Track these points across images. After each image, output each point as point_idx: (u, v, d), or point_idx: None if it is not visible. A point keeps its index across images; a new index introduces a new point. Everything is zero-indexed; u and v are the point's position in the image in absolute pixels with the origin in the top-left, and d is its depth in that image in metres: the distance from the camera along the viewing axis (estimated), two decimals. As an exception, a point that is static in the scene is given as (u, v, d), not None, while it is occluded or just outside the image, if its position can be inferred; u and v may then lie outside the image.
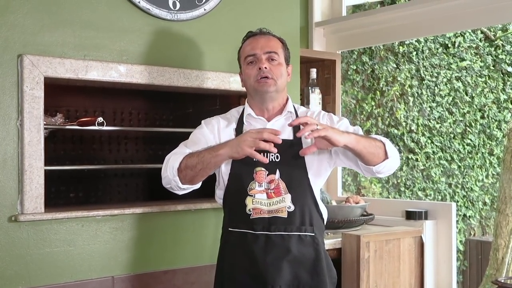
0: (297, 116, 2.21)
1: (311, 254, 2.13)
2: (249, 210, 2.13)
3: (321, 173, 2.20)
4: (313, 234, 2.14)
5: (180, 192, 2.18)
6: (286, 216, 2.12)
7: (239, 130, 2.20)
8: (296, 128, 2.15)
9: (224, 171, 2.19)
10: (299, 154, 2.11)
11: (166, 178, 2.12)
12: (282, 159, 2.13)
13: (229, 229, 2.19)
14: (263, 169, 2.13)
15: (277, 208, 2.12)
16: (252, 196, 2.13)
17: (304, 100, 3.58)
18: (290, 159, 2.14)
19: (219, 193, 2.24)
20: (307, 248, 2.13)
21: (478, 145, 6.46)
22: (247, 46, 2.20)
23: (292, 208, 2.12)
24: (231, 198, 2.19)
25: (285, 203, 2.12)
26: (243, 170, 2.14)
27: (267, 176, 2.13)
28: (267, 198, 2.12)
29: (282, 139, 2.09)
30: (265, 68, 2.13)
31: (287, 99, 2.25)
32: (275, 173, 2.12)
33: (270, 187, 2.12)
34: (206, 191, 2.98)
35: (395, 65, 5.84)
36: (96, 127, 2.51)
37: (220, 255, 2.23)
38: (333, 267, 2.23)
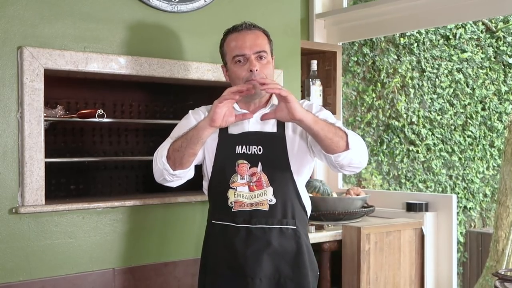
0: None
1: (293, 247, 2.13)
2: (231, 202, 2.13)
3: (303, 165, 2.18)
4: (295, 227, 2.14)
5: (175, 183, 2.15)
6: (267, 209, 2.11)
7: None
8: (281, 123, 2.13)
9: (208, 164, 2.19)
10: (282, 145, 2.11)
11: (158, 171, 2.11)
12: (264, 151, 2.12)
13: (212, 221, 2.20)
14: (245, 161, 2.12)
15: (258, 201, 2.12)
16: (234, 189, 2.13)
17: (305, 92, 3.58)
18: (273, 152, 2.12)
19: (205, 184, 2.25)
20: (288, 241, 2.13)
21: (479, 137, 6.46)
22: (233, 42, 2.13)
23: (274, 201, 2.11)
24: (214, 190, 2.19)
25: (266, 196, 2.11)
26: (226, 162, 2.14)
27: (249, 168, 2.12)
28: (249, 191, 2.12)
29: (265, 132, 2.11)
30: (256, 70, 2.08)
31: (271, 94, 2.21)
32: (257, 166, 2.12)
33: (252, 180, 2.11)
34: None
35: (396, 57, 5.82)
36: (96, 119, 2.51)
37: (203, 247, 2.24)
38: (315, 260, 2.23)
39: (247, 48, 2.10)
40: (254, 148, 2.12)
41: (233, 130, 2.15)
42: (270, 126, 2.15)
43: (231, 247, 2.13)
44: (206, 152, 2.20)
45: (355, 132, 2.13)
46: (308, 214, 2.24)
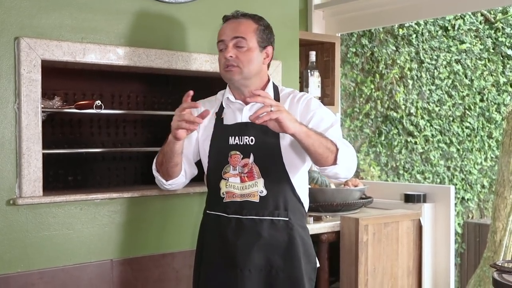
0: (278, 99, 2.17)
1: (284, 239, 2.12)
2: (223, 193, 2.14)
3: (297, 157, 2.14)
4: (287, 219, 2.12)
5: (178, 187, 2.25)
6: (257, 201, 2.11)
7: (219, 113, 2.20)
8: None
9: (203, 155, 2.21)
10: (274, 136, 2.10)
11: (157, 181, 2.23)
12: (256, 143, 2.11)
13: (207, 211, 2.22)
14: (238, 152, 2.12)
15: (249, 192, 2.12)
16: (226, 179, 2.13)
17: (303, 83, 3.57)
18: (265, 143, 2.11)
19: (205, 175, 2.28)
20: (279, 233, 2.12)
21: (477, 128, 6.46)
22: (220, 30, 2.18)
23: (265, 192, 2.11)
24: (209, 181, 2.21)
25: (257, 188, 2.11)
26: (219, 153, 2.15)
27: (241, 159, 2.12)
28: (240, 182, 2.12)
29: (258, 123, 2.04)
30: (230, 56, 2.10)
31: (267, 82, 2.21)
32: (249, 157, 2.11)
33: (244, 171, 2.11)
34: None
35: (394, 48, 5.81)
36: (94, 110, 2.50)
37: (198, 237, 2.27)
38: (312, 252, 2.20)
39: (225, 34, 2.14)
40: (246, 138, 2.11)
41: (227, 121, 2.16)
42: None
43: (223, 238, 2.15)
44: (200, 145, 2.22)
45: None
46: (306, 206, 2.23)
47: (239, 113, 2.17)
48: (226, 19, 2.20)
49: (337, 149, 1.98)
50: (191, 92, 2.01)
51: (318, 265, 2.26)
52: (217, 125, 2.17)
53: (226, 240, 2.14)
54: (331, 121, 2.12)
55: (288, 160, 2.13)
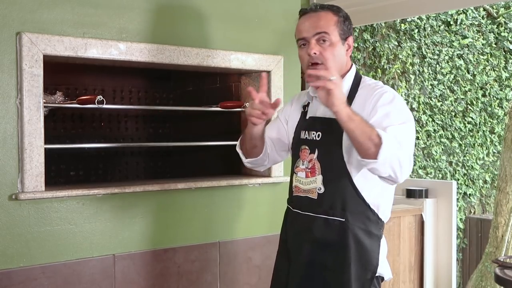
0: (351, 96, 2.07)
1: (335, 240, 2.03)
2: (293, 187, 2.14)
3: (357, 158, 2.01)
4: (343, 220, 2.01)
5: (259, 168, 2.29)
6: (315, 198, 2.05)
7: (304, 107, 2.18)
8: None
9: (290, 147, 2.23)
10: (339, 133, 2.00)
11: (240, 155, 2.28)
12: (322, 138, 2.05)
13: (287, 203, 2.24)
14: (307, 147, 2.09)
15: (309, 188, 2.08)
16: (296, 174, 2.13)
17: (305, 78, 3.56)
18: (329, 139, 2.04)
19: None
20: (331, 233, 2.03)
21: (479, 123, 6.46)
22: (299, 26, 2.11)
23: (322, 190, 2.04)
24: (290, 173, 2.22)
25: (316, 184, 2.06)
26: (295, 148, 2.15)
27: (309, 154, 2.08)
28: (305, 177, 2.09)
29: (326, 118, 2.00)
30: (314, 54, 2.03)
31: (345, 74, 2.10)
32: (314, 153, 2.07)
33: (308, 166, 2.08)
34: (207, 170, 2.98)
35: (396, 43, 5.80)
36: (96, 106, 2.50)
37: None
38: (373, 259, 2.05)
39: (306, 31, 2.07)
40: (313, 134, 2.08)
41: (309, 114, 2.14)
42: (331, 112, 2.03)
43: (286, 230, 2.19)
44: (290, 137, 2.22)
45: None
46: (378, 210, 2.07)
47: (317, 107, 2.12)
48: (303, 12, 2.12)
49: (381, 143, 1.82)
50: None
51: (388, 276, 2.13)
52: (300, 118, 2.16)
53: (287, 233, 2.18)
54: (398, 119, 1.95)
55: (351, 158, 2.01)
